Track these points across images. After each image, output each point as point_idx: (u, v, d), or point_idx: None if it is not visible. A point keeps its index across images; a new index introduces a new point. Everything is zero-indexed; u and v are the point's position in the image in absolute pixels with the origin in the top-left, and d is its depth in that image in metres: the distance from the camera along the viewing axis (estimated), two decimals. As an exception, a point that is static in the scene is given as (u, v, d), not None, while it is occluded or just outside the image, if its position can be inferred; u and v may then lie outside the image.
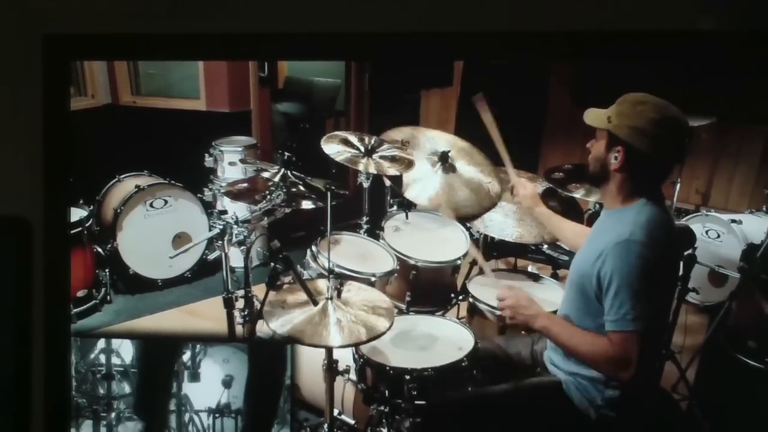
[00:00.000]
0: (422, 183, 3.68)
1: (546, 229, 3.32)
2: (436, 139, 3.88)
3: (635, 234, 2.20)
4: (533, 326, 2.49)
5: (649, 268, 2.19)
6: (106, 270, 4.55)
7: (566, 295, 2.59)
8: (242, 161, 4.87)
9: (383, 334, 2.56)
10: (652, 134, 2.23)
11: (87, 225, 4.27)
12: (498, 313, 2.66)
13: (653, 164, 2.30)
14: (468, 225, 3.79)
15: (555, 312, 2.70)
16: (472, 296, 3.27)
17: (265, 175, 3.71)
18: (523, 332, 2.88)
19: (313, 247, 3.46)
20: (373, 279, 3.35)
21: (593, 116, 2.40)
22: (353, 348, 2.90)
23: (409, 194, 3.68)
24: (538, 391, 2.60)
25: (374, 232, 3.87)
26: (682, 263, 3.32)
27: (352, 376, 2.97)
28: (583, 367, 2.43)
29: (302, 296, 2.66)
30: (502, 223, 3.56)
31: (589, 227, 2.86)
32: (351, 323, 2.55)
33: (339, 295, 2.70)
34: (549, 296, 3.31)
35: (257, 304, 3.35)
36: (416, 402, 2.74)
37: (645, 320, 2.19)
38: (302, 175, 3.67)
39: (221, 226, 3.28)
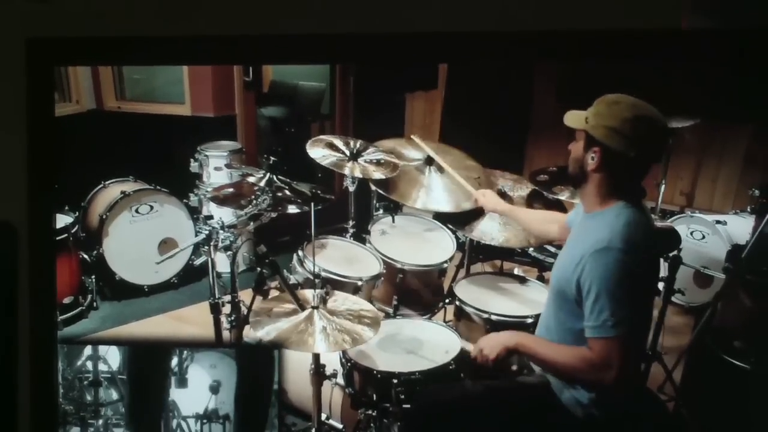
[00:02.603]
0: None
1: (532, 234, 3.34)
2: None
3: (614, 241, 2.21)
4: (509, 345, 2.49)
5: (628, 274, 2.20)
6: (92, 276, 4.53)
7: (548, 300, 2.60)
8: (228, 166, 4.87)
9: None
10: (626, 133, 2.25)
11: (72, 231, 4.25)
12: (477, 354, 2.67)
13: (629, 164, 2.30)
14: (454, 229, 3.80)
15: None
16: (459, 299, 3.27)
17: (251, 179, 3.71)
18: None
19: (300, 252, 3.46)
20: (359, 283, 3.35)
21: (572, 118, 2.42)
22: (340, 352, 2.90)
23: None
24: (526, 389, 2.61)
25: (360, 235, 3.87)
26: (667, 264, 3.35)
27: (340, 380, 2.98)
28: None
29: (288, 305, 2.66)
30: (488, 228, 3.56)
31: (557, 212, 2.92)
32: (336, 332, 2.55)
33: (325, 304, 2.71)
34: (535, 298, 3.33)
35: (244, 310, 3.35)
36: (404, 406, 2.75)
37: (625, 325, 2.20)
38: (288, 180, 3.67)
39: (207, 232, 3.27)
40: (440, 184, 3.72)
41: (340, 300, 2.82)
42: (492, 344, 2.53)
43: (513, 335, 2.56)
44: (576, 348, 2.34)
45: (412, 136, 3.70)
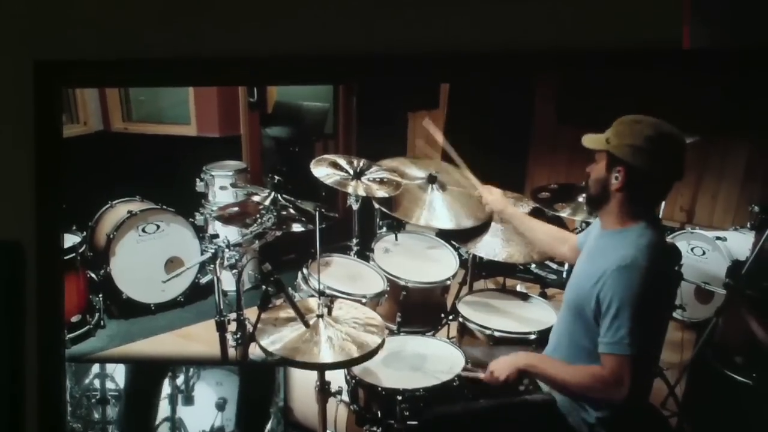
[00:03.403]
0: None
1: (534, 248, 3.35)
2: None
3: (638, 259, 2.24)
4: (519, 366, 2.51)
5: (649, 293, 2.23)
6: (100, 295, 4.54)
7: (561, 317, 2.61)
8: (233, 185, 4.88)
9: (375, 350, 2.59)
10: (650, 151, 2.28)
11: (80, 251, 4.27)
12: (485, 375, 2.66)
13: (653, 182, 2.35)
14: (456, 245, 3.82)
15: (548, 329, 2.75)
16: (462, 316, 3.29)
17: (256, 198, 3.75)
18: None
19: (304, 270, 3.48)
20: (363, 300, 3.36)
21: (591, 140, 2.44)
22: (345, 369, 2.92)
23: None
24: (531, 407, 2.62)
25: (364, 253, 3.89)
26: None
27: (345, 397, 2.99)
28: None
29: (294, 314, 2.68)
30: (491, 243, 3.58)
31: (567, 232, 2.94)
32: (342, 340, 2.57)
33: (330, 313, 2.73)
34: (538, 314, 3.34)
35: (249, 327, 3.36)
36: (409, 422, 2.76)
37: (640, 345, 2.22)
38: (292, 198, 3.70)
39: (213, 250, 3.30)
40: (442, 202, 3.75)
41: (345, 308, 2.85)
42: (502, 366, 2.54)
43: (523, 356, 2.57)
44: (587, 367, 2.36)
45: (424, 123, 3.69)
